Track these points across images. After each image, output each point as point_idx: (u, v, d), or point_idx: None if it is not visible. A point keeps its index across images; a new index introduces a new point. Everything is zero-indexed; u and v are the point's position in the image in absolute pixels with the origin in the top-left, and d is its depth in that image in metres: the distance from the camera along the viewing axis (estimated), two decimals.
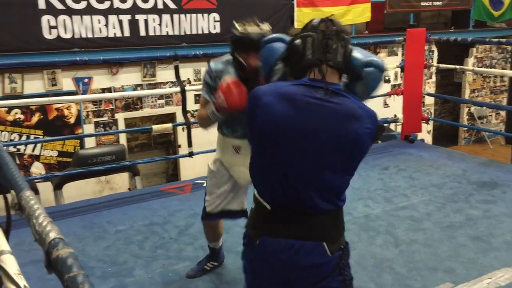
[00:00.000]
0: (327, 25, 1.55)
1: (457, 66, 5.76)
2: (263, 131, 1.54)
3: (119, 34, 6.19)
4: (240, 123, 2.33)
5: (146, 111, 6.88)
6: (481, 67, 9.80)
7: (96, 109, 6.50)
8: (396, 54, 8.58)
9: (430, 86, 9.23)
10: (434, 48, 9.03)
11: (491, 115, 10.70)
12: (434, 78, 9.45)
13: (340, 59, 1.54)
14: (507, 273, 2.66)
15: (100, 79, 6.40)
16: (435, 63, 8.39)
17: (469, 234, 3.15)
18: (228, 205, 2.59)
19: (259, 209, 1.62)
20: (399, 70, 5.48)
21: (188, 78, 6.80)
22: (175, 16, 6.47)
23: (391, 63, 8.07)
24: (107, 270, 2.83)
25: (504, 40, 6.04)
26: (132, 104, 6.74)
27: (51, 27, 5.83)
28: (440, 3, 8.65)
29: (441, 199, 3.72)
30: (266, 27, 2.26)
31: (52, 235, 0.84)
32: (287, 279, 1.59)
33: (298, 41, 1.56)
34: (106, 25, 6.09)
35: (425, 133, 8.89)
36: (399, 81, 8.34)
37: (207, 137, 6.99)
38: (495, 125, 10.58)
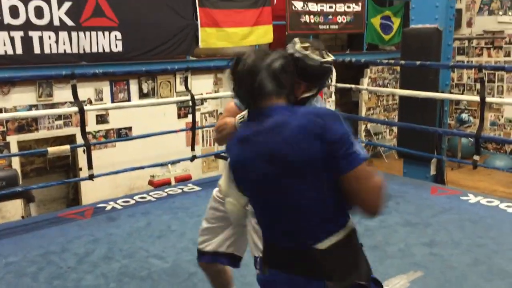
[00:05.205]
0: (239, 67, 1.50)
1: (353, 86, 6.12)
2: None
3: (10, 52, 5.78)
4: None
5: (42, 133, 6.46)
6: (374, 86, 10.49)
7: None
8: None
9: (330, 105, 9.68)
10: (332, 69, 9.51)
11: (385, 131, 11.47)
12: (333, 97, 9.93)
13: (269, 88, 1.46)
14: (402, 280, 2.83)
15: None
16: (333, 83, 8.84)
17: (367, 244, 3.28)
18: (223, 246, 2.14)
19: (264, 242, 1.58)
20: None
21: (89, 98, 6.52)
22: (73, 33, 6.18)
23: None
24: None
25: (393, 61, 6.52)
26: (26, 125, 6.29)
27: None
28: (336, 27, 9.17)
29: None
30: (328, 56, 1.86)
31: None
32: None
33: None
34: None
35: None
36: None
37: (110, 159, 6.72)
38: (389, 141, 11.34)
